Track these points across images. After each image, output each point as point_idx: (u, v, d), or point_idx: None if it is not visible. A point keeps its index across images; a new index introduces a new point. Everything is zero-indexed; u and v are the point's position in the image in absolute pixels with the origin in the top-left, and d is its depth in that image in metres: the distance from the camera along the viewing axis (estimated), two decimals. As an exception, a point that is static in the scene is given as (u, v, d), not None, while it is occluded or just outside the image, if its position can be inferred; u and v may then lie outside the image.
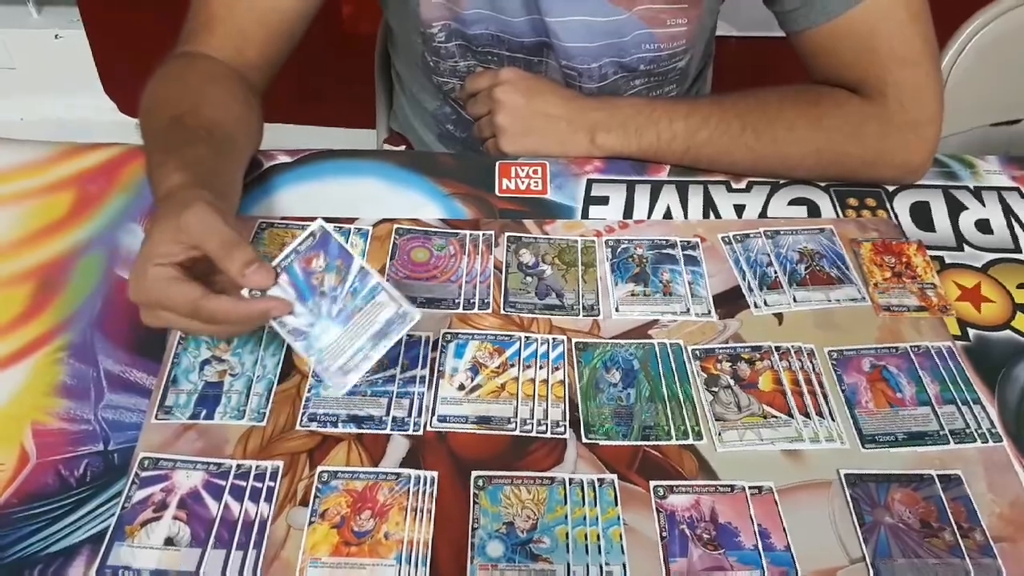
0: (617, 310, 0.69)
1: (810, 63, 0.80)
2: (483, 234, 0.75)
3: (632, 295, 0.71)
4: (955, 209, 0.79)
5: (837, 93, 0.78)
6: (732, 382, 0.64)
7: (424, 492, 0.58)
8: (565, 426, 0.61)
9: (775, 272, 0.72)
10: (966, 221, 0.78)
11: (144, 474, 0.58)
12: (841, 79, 0.78)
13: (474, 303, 0.69)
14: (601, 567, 0.54)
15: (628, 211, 0.78)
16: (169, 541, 0.54)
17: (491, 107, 0.80)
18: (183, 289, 0.56)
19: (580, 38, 0.80)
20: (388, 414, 0.62)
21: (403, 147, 1.06)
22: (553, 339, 0.67)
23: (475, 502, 0.57)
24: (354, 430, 0.61)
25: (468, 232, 0.75)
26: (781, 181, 0.81)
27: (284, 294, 0.59)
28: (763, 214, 0.78)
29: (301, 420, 0.61)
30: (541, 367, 0.65)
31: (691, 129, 0.77)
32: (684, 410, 0.63)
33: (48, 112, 1.92)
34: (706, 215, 0.78)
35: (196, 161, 0.64)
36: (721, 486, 0.58)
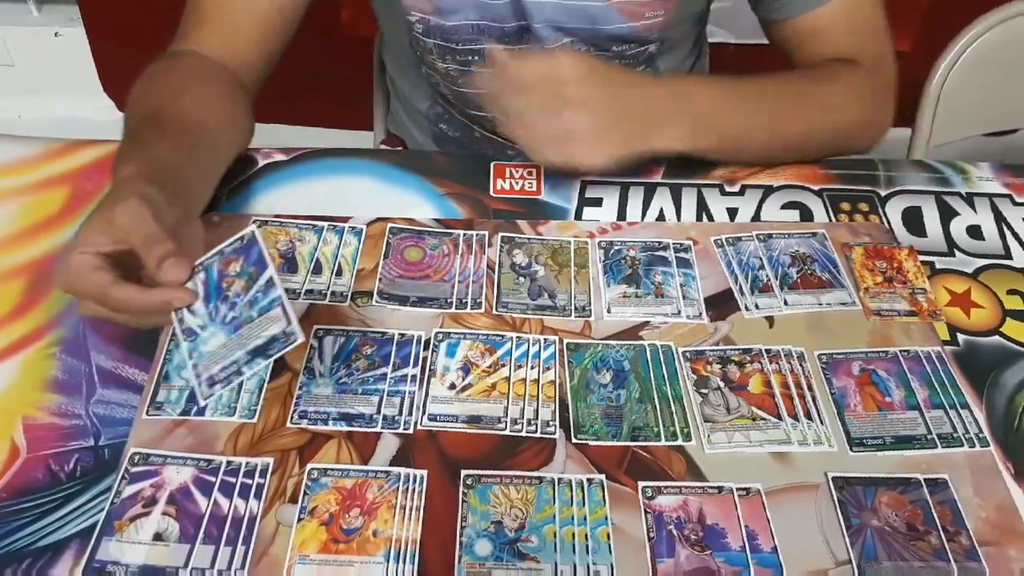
0: (609, 311, 0.70)
1: (801, 48, 0.84)
2: (476, 234, 0.75)
3: (624, 296, 0.71)
4: (947, 215, 0.79)
5: (845, 67, 0.81)
6: (722, 384, 0.65)
7: (413, 490, 0.58)
8: (555, 426, 0.62)
9: (767, 275, 0.73)
10: (957, 227, 0.78)
11: (134, 469, 0.58)
12: (823, 58, 0.82)
13: (466, 303, 0.70)
14: (588, 567, 0.54)
15: (621, 213, 0.78)
16: (158, 536, 0.55)
17: (557, 106, 0.67)
18: (96, 277, 0.55)
19: (554, 19, 0.80)
20: (379, 412, 0.62)
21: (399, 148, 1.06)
22: (544, 339, 0.67)
23: (464, 501, 0.57)
24: (344, 428, 0.61)
25: (462, 232, 0.75)
26: (775, 185, 0.81)
27: (196, 291, 0.57)
28: (756, 217, 0.79)
29: (292, 417, 0.61)
30: (532, 367, 0.65)
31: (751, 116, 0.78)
32: (673, 411, 0.63)
33: (47, 110, 1.92)
34: (699, 217, 0.78)
35: (157, 157, 0.64)
36: (709, 487, 0.58)
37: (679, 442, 0.61)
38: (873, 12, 0.82)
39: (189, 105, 0.70)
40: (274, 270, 0.56)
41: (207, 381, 0.56)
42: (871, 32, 0.82)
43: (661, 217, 0.78)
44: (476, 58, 0.83)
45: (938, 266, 0.75)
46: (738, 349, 0.67)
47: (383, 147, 1.10)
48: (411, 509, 0.57)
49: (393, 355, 0.65)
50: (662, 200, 0.79)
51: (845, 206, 0.80)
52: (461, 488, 0.58)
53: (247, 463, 0.59)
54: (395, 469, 0.59)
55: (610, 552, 0.55)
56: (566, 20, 0.79)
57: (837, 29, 0.81)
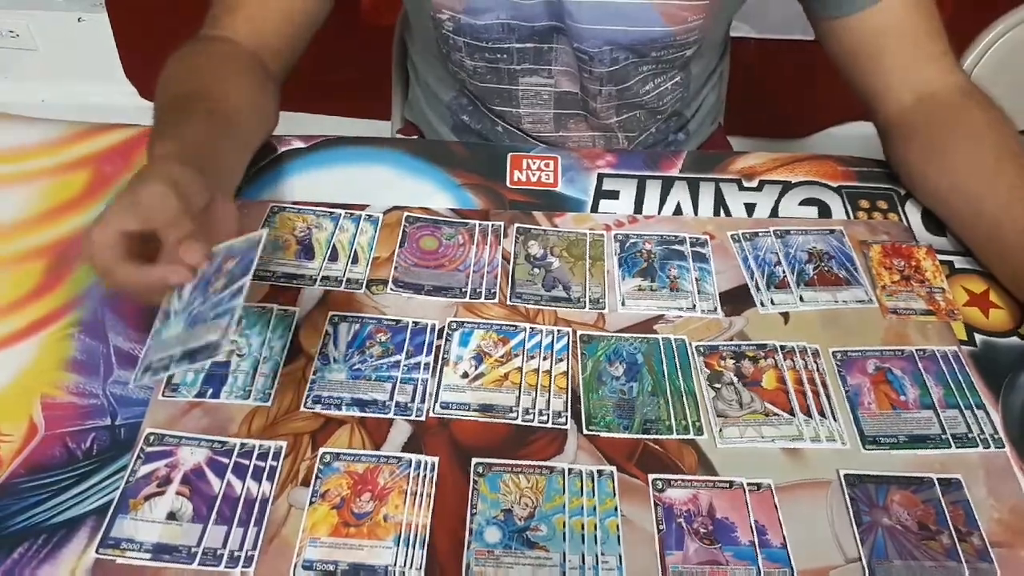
0: (623, 304, 0.70)
1: (856, 55, 0.79)
2: (492, 224, 0.75)
3: (639, 289, 0.71)
4: (967, 214, 0.78)
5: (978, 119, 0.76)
6: (735, 379, 0.64)
7: (424, 477, 0.58)
8: (567, 417, 0.62)
9: (783, 271, 0.72)
10: (978, 227, 0.77)
11: (149, 449, 0.59)
12: (881, 68, 0.78)
13: (481, 293, 0.70)
14: (597, 557, 0.54)
15: (638, 206, 0.78)
16: (171, 516, 0.55)
17: None
18: (108, 253, 0.56)
19: (595, 20, 0.79)
20: (392, 399, 0.62)
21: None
22: (558, 331, 0.67)
23: (474, 488, 0.58)
24: (357, 413, 0.61)
25: (478, 222, 0.75)
26: (793, 181, 0.81)
27: (195, 273, 0.57)
28: (774, 213, 0.78)
29: (305, 402, 0.62)
30: (545, 358, 0.65)
31: None
32: (686, 405, 0.63)
33: (69, 95, 1.93)
34: (716, 212, 0.78)
35: (191, 137, 0.65)
36: (720, 482, 0.58)
37: (691, 436, 0.61)
38: (930, 12, 0.76)
39: (220, 90, 0.71)
40: (250, 279, 0.54)
41: (144, 366, 0.56)
42: (933, 36, 0.77)
43: (678, 211, 0.78)
44: (504, 56, 0.83)
45: (957, 266, 0.74)
46: (752, 344, 0.67)
47: (400, 136, 1.10)
48: (422, 495, 0.57)
49: (407, 343, 0.66)
50: (679, 194, 0.79)
51: (864, 203, 0.79)
52: (472, 476, 0.58)
53: (260, 446, 0.59)
54: (407, 455, 0.59)
55: (619, 543, 0.55)
56: (605, 20, 0.78)
57: (896, 31, 0.76)
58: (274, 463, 0.58)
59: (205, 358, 0.53)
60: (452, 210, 0.77)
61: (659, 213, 0.78)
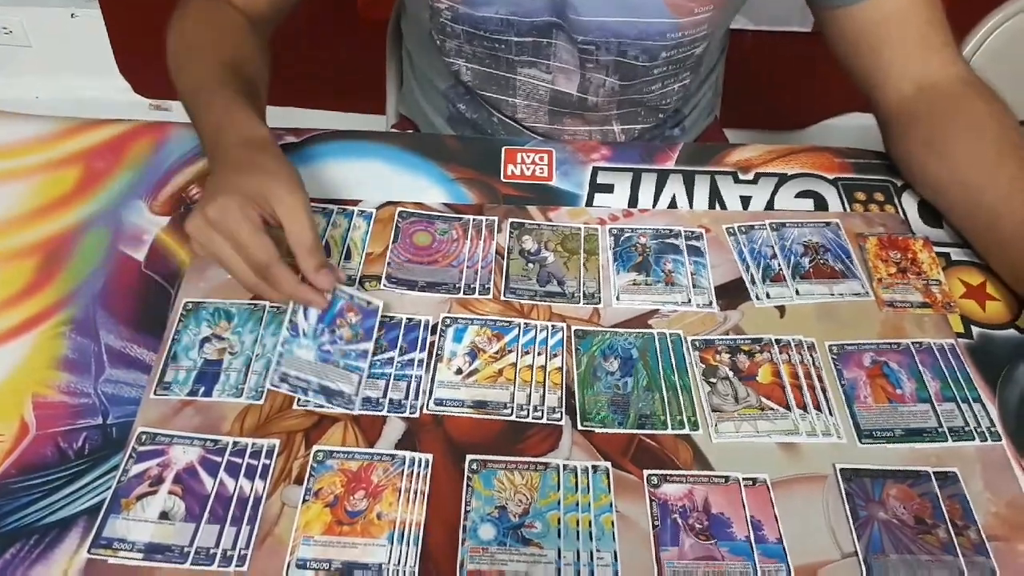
0: (618, 299, 0.69)
1: (857, 45, 0.78)
2: (486, 219, 0.75)
3: (634, 284, 0.70)
4: (964, 206, 0.78)
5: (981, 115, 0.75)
6: (730, 373, 0.64)
7: (418, 474, 0.58)
8: (561, 412, 0.61)
9: (779, 265, 0.72)
10: (974, 218, 0.77)
11: (141, 448, 0.58)
12: (883, 60, 0.77)
13: (475, 288, 0.69)
14: (592, 553, 0.54)
15: (633, 200, 0.78)
16: (164, 515, 0.55)
17: None
18: (265, 241, 0.60)
19: (600, 11, 0.77)
20: (385, 396, 0.62)
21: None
22: (552, 326, 0.67)
23: (468, 485, 0.57)
24: (351, 411, 0.61)
25: (471, 217, 0.75)
26: (789, 173, 0.80)
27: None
28: (769, 206, 0.78)
29: (298, 399, 0.61)
30: (539, 353, 0.65)
31: None
32: (681, 400, 0.63)
33: (64, 91, 1.93)
34: (712, 205, 0.77)
35: (262, 113, 0.68)
36: (715, 477, 0.58)
37: (686, 431, 0.61)
38: (933, 2, 0.76)
39: (250, 56, 0.74)
40: (371, 344, 0.63)
41: (281, 375, 0.62)
42: (936, 26, 0.76)
43: (673, 204, 0.77)
44: (503, 47, 0.83)
45: (953, 257, 0.74)
46: (748, 338, 0.66)
47: (394, 131, 1.09)
48: (416, 492, 0.57)
49: (400, 339, 0.65)
50: (674, 187, 0.79)
51: (860, 195, 0.79)
52: (466, 472, 0.58)
53: (253, 444, 0.59)
54: (400, 452, 0.59)
55: (614, 540, 0.55)
56: (610, 11, 0.77)
57: (898, 21, 0.75)
58: (267, 461, 0.58)
59: (336, 403, 0.61)
60: (446, 205, 0.76)
61: (654, 207, 0.77)
